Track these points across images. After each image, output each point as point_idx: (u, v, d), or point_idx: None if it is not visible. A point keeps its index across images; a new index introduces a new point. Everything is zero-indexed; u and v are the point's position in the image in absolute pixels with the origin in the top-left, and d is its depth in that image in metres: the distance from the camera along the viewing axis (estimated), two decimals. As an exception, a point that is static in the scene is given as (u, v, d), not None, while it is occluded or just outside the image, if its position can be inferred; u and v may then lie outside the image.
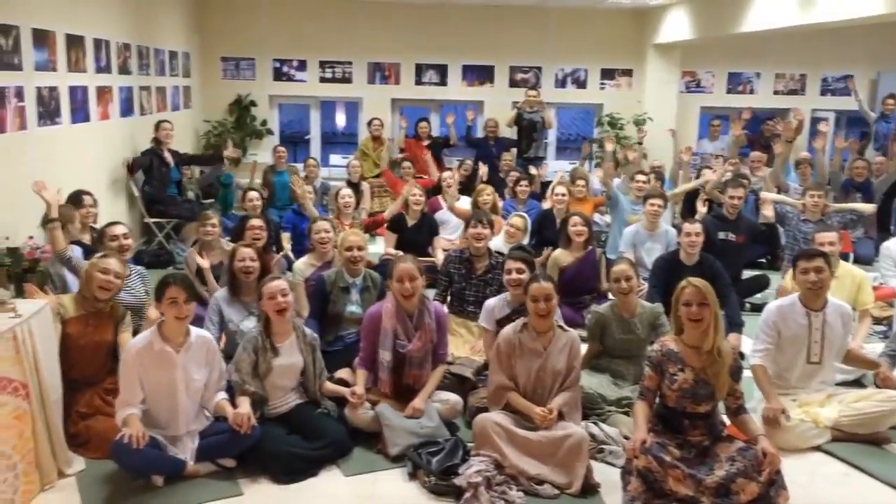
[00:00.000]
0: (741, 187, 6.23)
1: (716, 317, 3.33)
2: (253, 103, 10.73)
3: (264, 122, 10.83)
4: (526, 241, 6.14)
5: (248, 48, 10.81)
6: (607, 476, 3.52)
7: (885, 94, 9.55)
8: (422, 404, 3.83)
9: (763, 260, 7.31)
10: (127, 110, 7.65)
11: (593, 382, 4.15)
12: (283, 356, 3.75)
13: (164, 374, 3.47)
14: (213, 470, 3.54)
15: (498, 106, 10.80)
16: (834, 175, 8.04)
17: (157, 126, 7.73)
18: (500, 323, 4.14)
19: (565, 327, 3.82)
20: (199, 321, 3.99)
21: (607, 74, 11.40)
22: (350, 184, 7.79)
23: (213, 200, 8.42)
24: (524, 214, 6.38)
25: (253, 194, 6.37)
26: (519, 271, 4.29)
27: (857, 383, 4.54)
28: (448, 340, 4.21)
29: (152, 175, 7.50)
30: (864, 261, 6.99)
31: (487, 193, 6.79)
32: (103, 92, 7.02)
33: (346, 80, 11.08)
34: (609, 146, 8.15)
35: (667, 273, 5.04)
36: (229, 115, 10.68)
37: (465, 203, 7.04)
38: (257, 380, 3.69)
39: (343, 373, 4.19)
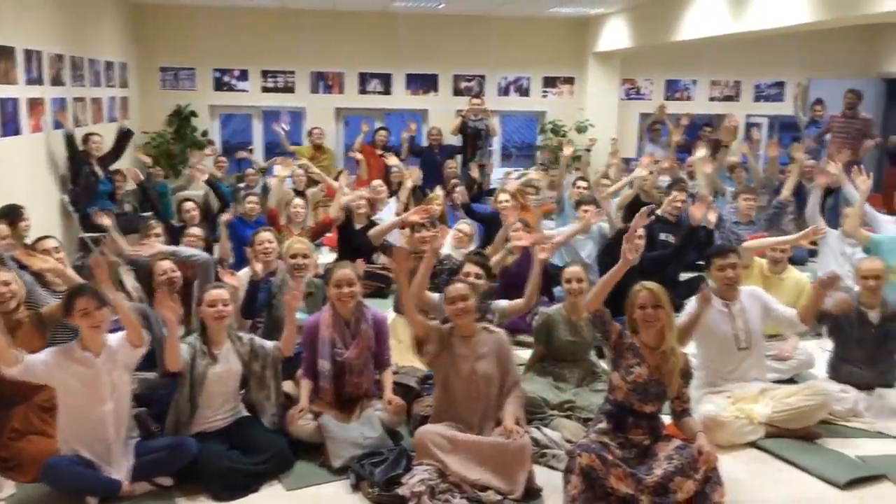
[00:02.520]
0: (684, 191, 6.39)
1: (669, 318, 3.41)
2: (193, 114, 10.57)
3: (205, 133, 10.67)
4: (473, 246, 6.17)
5: (188, 58, 10.66)
6: (549, 480, 3.54)
7: (813, 101, 9.89)
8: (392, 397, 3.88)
9: (701, 262, 7.45)
10: (60, 122, 7.45)
11: (536, 387, 4.18)
12: (220, 363, 3.69)
13: (86, 380, 3.37)
14: (150, 489, 3.46)
15: (442, 114, 10.84)
16: (768, 179, 8.26)
17: (86, 139, 7.56)
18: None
19: (491, 328, 3.83)
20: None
21: (549, 82, 11.56)
22: (297, 192, 7.72)
23: (151, 213, 8.23)
24: (470, 221, 6.41)
25: (189, 204, 6.29)
26: (477, 276, 4.35)
27: (790, 381, 4.66)
28: (391, 345, 4.18)
29: (82, 188, 7.32)
30: (797, 261, 7.19)
31: (438, 203, 6.84)
32: (35, 104, 6.84)
33: (289, 89, 11.00)
34: (567, 151, 8.22)
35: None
36: (169, 126, 10.50)
37: (391, 208, 7.06)
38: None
39: (285, 386, 4.15)
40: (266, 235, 5.01)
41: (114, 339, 3.50)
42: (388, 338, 4.22)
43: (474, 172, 8.67)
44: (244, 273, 5.05)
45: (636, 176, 7.18)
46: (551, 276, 5.81)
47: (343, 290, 3.94)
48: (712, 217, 6.40)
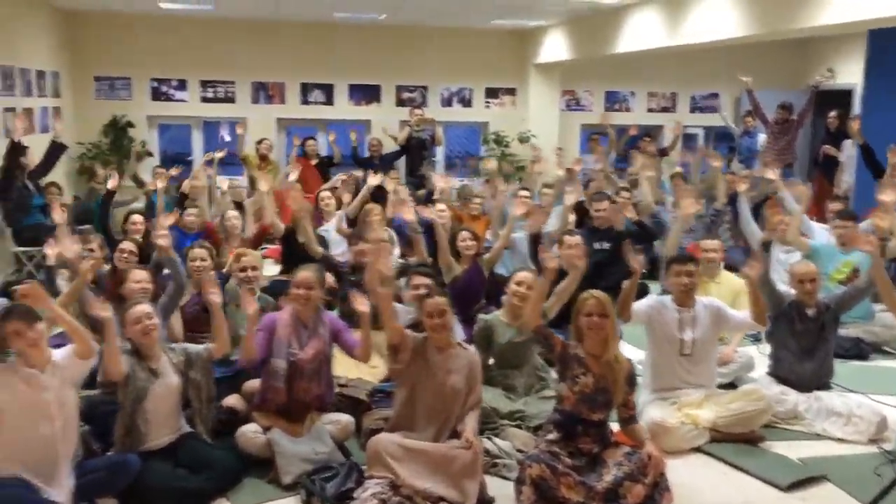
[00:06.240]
0: (605, 199, 6.51)
1: (612, 327, 3.46)
2: (130, 124, 10.31)
3: (143, 144, 10.42)
4: (397, 252, 6.19)
5: (124, 67, 10.40)
6: (501, 490, 3.55)
7: (745, 112, 10.22)
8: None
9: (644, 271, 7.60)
10: (10, 129, 7.16)
11: (486, 396, 4.15)
12: (160, 378, 3.60)
13: (31, 398, 3.23)
14: (93, 511, 3.35)
15: (385, 124, 10.84)
16: (707, 188, 8.46)
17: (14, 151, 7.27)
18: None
19: (465, 346, 3.83)
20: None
21: (492, 93, 11.66)
22: (236, 204, 7.59)
23: (89, 226, 7.98)
24: (389, 230, 6.45)
25: (137, 217, 6.10)
26: (426, 287, 4.33)
27: (732, 385, 4.78)
28: (351, 341, 4.08)
29: (15, 202, 7.06)
30: (734, 268, 7.38)
31: (376, 213, 6.79)
32: (-37, 113, 6.59)
33: (229, 99, 10.84)
34: (489, 165, 8.25)
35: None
36: (105, 137, 10.22)
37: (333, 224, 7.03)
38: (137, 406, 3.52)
39: (231, 399, 4.08)
40: (199, 253, 4.90)
41: (60, 354, 3.38)
42: (347, 330, 4.13)
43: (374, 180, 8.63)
44: None
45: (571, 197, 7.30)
46: (498, 284, 5.86)
47: (300, 291, 3.92)
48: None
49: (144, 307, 3.64)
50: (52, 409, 3.28)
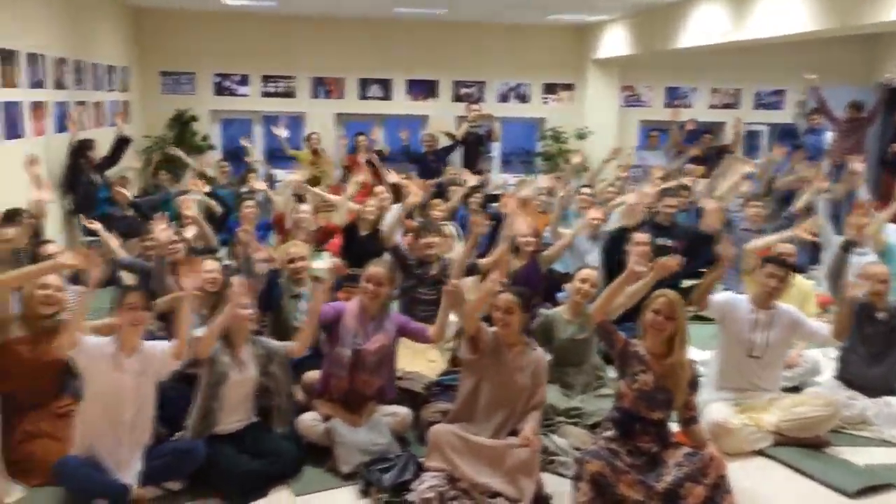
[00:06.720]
0: (676, 196, 6.42)
1: (682, 332, 3.39)
2: (193, 118, 10.56)
3: (206, 138, 10.66)
4: (459, 246, 6.19)
5: (189, 62, 10.66)
6: (558, 487, 3.54)
7: (810, 109, 9.92)
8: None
9: (703, 270, 7.45)
10: (63, 126, 7.44)
11: (543, 393, 4.17)
12: (241, 367, 3.68)
13: (113, 378, 3.38)
14: (159, 494, 3.44)
15: (442, 120, 10.86)
16: (770, 186, 8.25)
17: (82, 147, 7.52)
18: None
19: (534, 346, 3.81)
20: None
21: (549, 89, 11.59)
22: (297, 198, 7.70)
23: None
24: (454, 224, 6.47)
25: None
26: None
27: (796, 389, 4.67)
28: (418, 328, 4.12)
29: (82, 196, 7.30)
30: (799, 269, 7.19)
31: (441, 209, 6.84)
32: (38, 107, 6.83)
33: (290, 94, 11.00)
34: (576, 160, 8.17)
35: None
36: (169, 131, 10.49)
37: (393, 213, 7.05)
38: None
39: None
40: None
41: (155, 346, 3.52)
42: (413, 322, 4.20)
43: (472, 179, 8.63)
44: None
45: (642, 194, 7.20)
46: (555, 281, 5.83)
47: (369, 286, 3.98)
48: (714, 222, 6.41)
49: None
50: (127, 394, 3.41)
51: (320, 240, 6.63)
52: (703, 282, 4.20)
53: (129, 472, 3.40)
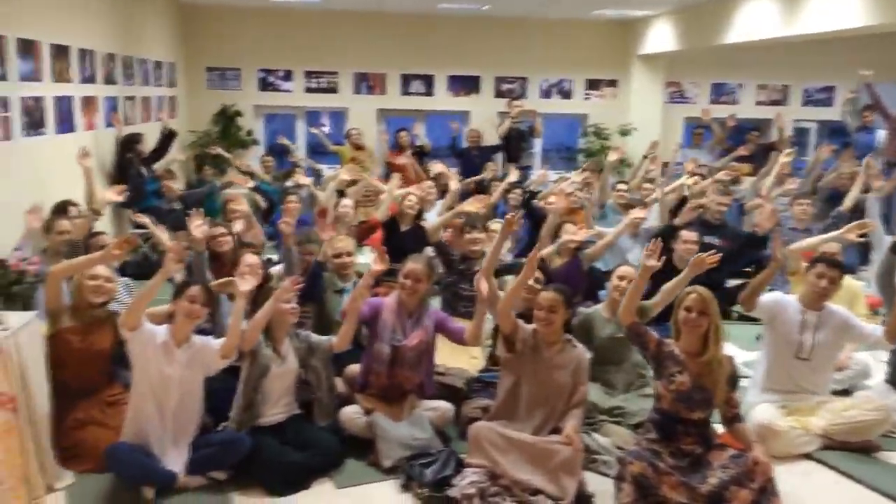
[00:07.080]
0: (727, 195, 6.34)
1: (716, 329, 3.35)
2: (238, 113, 10.70)
3: (250, 133, 10.80)
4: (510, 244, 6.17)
5: (234, 58, 10.79)
6: (600, 486, 3.51)
7: (863, 106, 9.66)
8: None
9: (749, 269, 7.34)
10: (114, 125, 7.59)
11: (585, 391, 4.14)
12: (282, 361, 3.75)
13: (161, 367, 3.46)
14: (204, 483, 3.49)
15: (483, 115, 10.83)
16: (816, 183, 8.08)
17: (130, 141, 7.65)
18: None
19: (575, 343, 3.79)
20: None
21: (592, 85, 11.49)
22: (339, 192, 7.76)
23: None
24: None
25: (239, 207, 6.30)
26: (536, 280, 4.25)
27: (846, 392, 4.57)
28: (456, 328, 4.12)
29: (131, 189, 7.43)
30: (847, 269, 7.02)
31: (482, 205, 6.83)
32: (89, 102, 6.98)
33: (332, 90, 11.08)
34: (614, 156, 8.11)
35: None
36: (214, 126, 10.64)
37: (439, 208, 7.05)
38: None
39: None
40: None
41: (205, 341, 3.60)
42: (451, 320, 4.20)
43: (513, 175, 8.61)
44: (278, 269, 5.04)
45: (680, 184, 7.14)
46: (596, 279, 5.78)
47: (408, 282, 3.99)
48: (767, 222, 6.29)
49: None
50: (173, 383, 3.48)
51: (361, 235, 6.67)
52: (753, 282, 4.14)
53: (176, 460, 3.47)
